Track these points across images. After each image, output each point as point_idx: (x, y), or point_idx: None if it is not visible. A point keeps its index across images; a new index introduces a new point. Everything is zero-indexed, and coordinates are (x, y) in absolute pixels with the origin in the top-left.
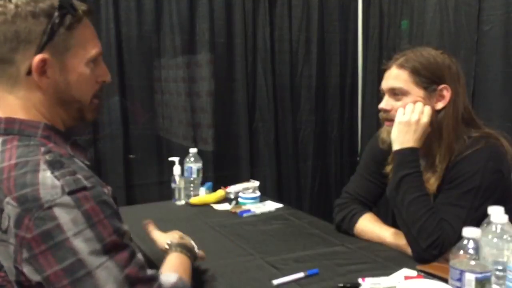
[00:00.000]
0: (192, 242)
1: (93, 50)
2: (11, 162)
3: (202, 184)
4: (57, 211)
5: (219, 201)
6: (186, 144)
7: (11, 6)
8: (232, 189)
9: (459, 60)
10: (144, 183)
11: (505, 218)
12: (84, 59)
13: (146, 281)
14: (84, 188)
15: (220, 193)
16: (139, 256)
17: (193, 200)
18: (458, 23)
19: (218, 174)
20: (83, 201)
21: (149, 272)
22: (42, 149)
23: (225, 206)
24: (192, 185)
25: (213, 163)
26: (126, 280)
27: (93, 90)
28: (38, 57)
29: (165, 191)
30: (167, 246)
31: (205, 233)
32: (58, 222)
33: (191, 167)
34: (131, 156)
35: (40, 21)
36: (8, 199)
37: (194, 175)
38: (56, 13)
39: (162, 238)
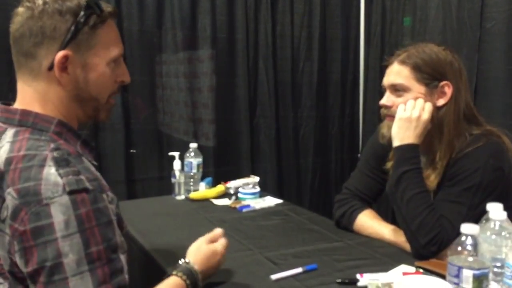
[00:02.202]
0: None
1: (115, 51)
2: (20, 153)
3: (202, 179)
4: (54, 210)
5: (219, 196)
6: (187, 139)
7: (39, 2)
8: (232, 184)
9: (461, 57)
10: (144, 177)
11: (503, 215)
12: (106, 58)
13: None
14: (85, 190)
15: (220, 188)
16: (124, 276)
17: (193, 195)
18: (460, 20)
19: (218, 170)
20: (80, 205)
21: None
22: (52, 145)
23: (225, 201)
24: (192, 180)
25: (214, 158)
26: None
27: (111, 90)
28: (60, 53)
29: (166, 186)
30: (179, 263)
31: (205, 228)
32: (51, 221)
33: (191, 162)
34: (132, 150)
35: (66, 19)
36: (10, 189)
37: (194, 170)
38: (82, 13)
39: (190, 250)
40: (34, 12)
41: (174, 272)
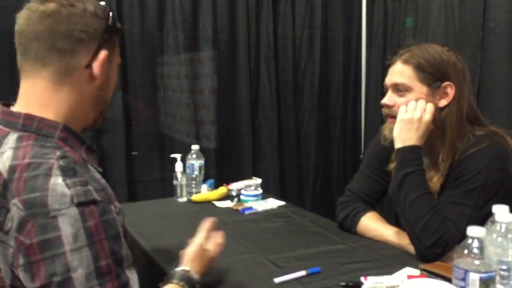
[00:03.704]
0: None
1: (119, 57)
2: (24, 161)
3: (204, 181)
4: (62, 222)
5: (221, 198)
6: (189, 141)
7: (78, 3)
8: (234, 186)
9: (464, 58)
10: (146, 179)
11: (509, 217)
12: (118, 62)
13: None
14: (93, 202)
15: (222, 190)
16: (128, 273)
17: (195, 197)
18: (463, 20)
19: (220, 171)
20: (89, 217)
21: None
22: (58, 152)
23: (227, 204)
24: (194, 182)
25: (216, 160)
26: None
27: (112, 94)
28: (104, 52)
29: (167, 188)
30: (174, 271)
31: None
32: (59, 234)
33: (193, 164)
34: (134, 153)
35: (102, 21)
36: (15, 200)
37: (196, 172)
38: (111, 17)
39: (186, 254)
40: (79, 10)
41: (175, 281)
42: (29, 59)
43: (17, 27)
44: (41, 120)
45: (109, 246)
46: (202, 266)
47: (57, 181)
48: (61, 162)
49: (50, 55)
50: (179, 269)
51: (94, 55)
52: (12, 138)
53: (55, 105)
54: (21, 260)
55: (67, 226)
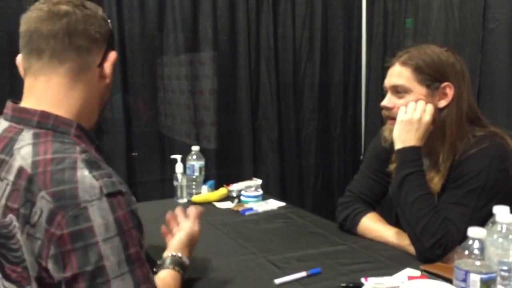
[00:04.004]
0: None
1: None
2: (47, 156)
3: (204, 182)
4: (92, 213)
5: (221, 199)
6: (189, 142)
7: (90, 6)
8: (235, 187)
9: (464, 58)
10: (146, 180)
11: (510, 217)
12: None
13: None
14: (120, 193)
15: (222, 191)
16: (151, 274)
17: (195, 198)
18: (463, 20)
19: (220, 172)
20: (117, 207)
21: None
22: (78, 148)
23: (227, 204)
24: (194, 183)
25: (216, 161)
26: None
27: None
28: (114, 53)
29: (167, 189)
30: (163, 258)
31: (207, 231)
32: (91, 224)
33: (193, 165)
34: (134, 153)
35: (108, 26)
36: (43, 193)
37: (196, 173)
38: (109, 21)
39: (172, 243)
40: (92, 12)
41: (171, 266)
42: (43, 56)
43: (24, 27)
44: (57, 117)
45: (136, 234)
46: (190, 251)
47: (84, 174)
48: (84, 156)
49: (68, 52)
50: (170, 255)
51: (105, 55)
52: (27, 135)
53: (69, 103)
54: (51, 251)
55: (98, 217)
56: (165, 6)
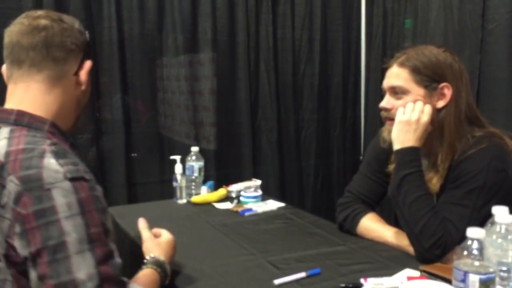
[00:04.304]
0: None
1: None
2: (19, 147)
3: (204, 182)
4: (55, 194)
5: (220, 200)
6: (188, 143)
7: (67, 19)
8: (234, 187)
9: (463, 59)
10: (145, 181)
11: (509, 218)
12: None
13: (116, 283)
14: (83, 178)
15: (221, 191)
16: (118, 259)
17: (195, 199)
18: (462, 21)
19: (220, 173)
20: (80, 190)
21: (124, 278)
22: (48, 141)
23: (227, 205)
24: (193, 183)
25: (215, 161)
26: (98, 276)
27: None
28: (90, 62)
29: (167, 190)
30: (146, 260)
31: (207, 232)
32: (54, 203)
33: (192, 166)
34: (134, 154)
35: (84, 36)
36: (11, 177)
37: (196, 174)
38: (87, 33)
39: (148, 247)
40: (68, 26)
41: (149, 266)
42: (23, 66)
43: (7, 39)
44: (32, 116)
45: (98, 216)
46: (163, 251)
47: (51, 161)
48: (53, 148)
49: (46, 62)
50: (148, 258)
51: (81, 64)
52: (5, 130)
53: (46, 105)
54: (17, 229)
55: (61, 197)
56: (165, 7)
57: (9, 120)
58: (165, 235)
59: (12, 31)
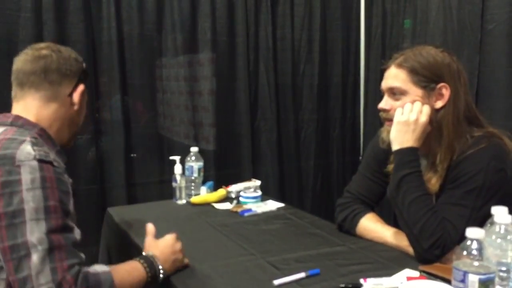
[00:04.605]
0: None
1: (86, 95)
2: (6, 136)
3: (203, 183)
4: (23, 170)
5: (220, 200)
6: (188, 143)
7: (63, 51)
8: (234, 188)
9: (462, 59)
10: (145, 182)
11: (509, 218)
12: (86, 98)
13: (67, 252)
14: (51, 163)
15: (221, 192)
16: (76, 236)
17: (194, 199)
18: (461, 22)
19: (219, 173)
20: (46, 170)
21: (80, 254)
22: (31, 136)
23: (226, 206)
24: (193, 184)
25: (215, 162)
26: (48, 241)
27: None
28: (82, 86)
29: (166, 190)
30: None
31: (206, 232)
32: (20, 177)
33: (192, 166)
34: (133, 155)
35: (79, 64)
36: None
37: (195, 174)
38: (85, 65)
39: (146, 247)
40: (65, 55)
41: (137, 259)
42: (25, 87)
43: (14, 67)
44: (26, 120)
45: (59, 194)
46: (158, 249)
47: (27, 146)
48: (33, 139)
49: (43, 84)
50: (144, 253)
51: (74, 88)
52: (1, 129)
53: (40, 116)
54: None
55: (27, 173)
56: (164, 7)
57: (6, 122)
58: (166, 237)
59: (19, 60)
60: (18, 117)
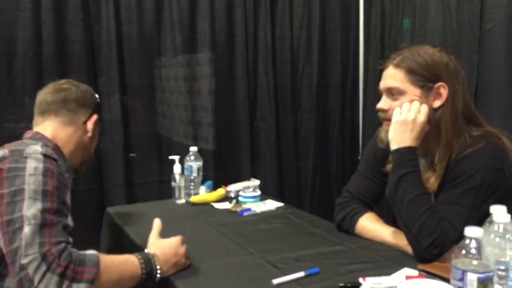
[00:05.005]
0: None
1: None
2: (20, 142)
3: (202, 183)
4: (29, 161)
5: (219, 200)
6: (187, 143)
7: (83, 86)
8: (233, 187)
9: (461, 59)
10: (144, 181)
11: (507, 217)
12: (98, 129)
13: (56, 231)
14: (56, 160)
15: (220, 191)
16: (69, 222)
17: (193, 199)
18: (460, 21)
19: (218, 173)
20: (49, 163)
21: (69, 237)
22: (43, 144)
23: (226, 205)
24: (192, 183)
25: (214, 161)
26: (41, 218)
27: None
28: (96, 116)
29: (166, 190)
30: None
31: (205, 232)
32: (25, 165)
33: (191, 166)
34: (132, 154)
35: (95, 98)
36: (6, 150)
37: (194, 174)
38: (99, 99)
39: (149, 245)
40: (80, 89)
41: (136, 254)
42: (45, 114)
43: (38, 98)
44: (43, 136)
45: (57, 183)
46: (159, 248)
47: (36, 146)
48: (44, 145)
49: (62, 111)
50: (146, 251)
51: (89, 117)
52: (20, 141)
53: (57, 135)
54: None
55: (32, 162)
56: (163, 7)
57: (27, 136)
58: (172, 238)
59: (41, 93)
60: (36, 133)
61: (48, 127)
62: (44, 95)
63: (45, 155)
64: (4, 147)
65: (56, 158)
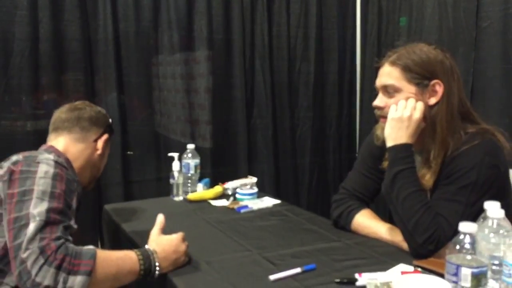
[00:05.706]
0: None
1: (109, 148)
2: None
3: (200, 180)
4: (41, 165)
5: (216, 197)
6: (184, 141)
7: (96, 107)
8: (230, 185)
9: (457, 57)
10: (142, 179)
11: (501, 213)
12: (108, 150)
13: (57, 229)
14: (66, 168)
15: (217, 189)
16: (72, 224)
17: (191, 196)
18: (456, 19)
19: (216, 170)
20: (59, 169)
21: (70, 237)
22: (55, 155)
23: (223, 202)
24: (189, 181)
25: (211, 159)
26: (45, 216)
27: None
28: (107, 135)
29: (163, 187)
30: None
31: (203, 229)
32: (37, 169)
33: (188, 163)
34: (129, 152)
35: (107, 119)
36: (20, 156)
37: (192, 171)
38: (111, 120)
39: (149, 241)
40: (94, 110)
41: (135, 250)
42: (59, 130)
43: (53, 117)
44: (56, 149)
45: (65, 188)
46: (158, 245)
47: (49, 155)
48: (56, 156)
49: (75, 128)
50: (146, 247)
51: (100, 136)
52: (35, 153)
53: (68, 150)
54: (5, 177)
55: (44, 166)
56: (160, 4)
57: (41, 149)
58: (172, 235)
59: (57, 112)
60: (50, 146)
61: (60, 142)
62: (59, 113)
63: (56, 162)
64: (19, 153)
65: (66, 166)
